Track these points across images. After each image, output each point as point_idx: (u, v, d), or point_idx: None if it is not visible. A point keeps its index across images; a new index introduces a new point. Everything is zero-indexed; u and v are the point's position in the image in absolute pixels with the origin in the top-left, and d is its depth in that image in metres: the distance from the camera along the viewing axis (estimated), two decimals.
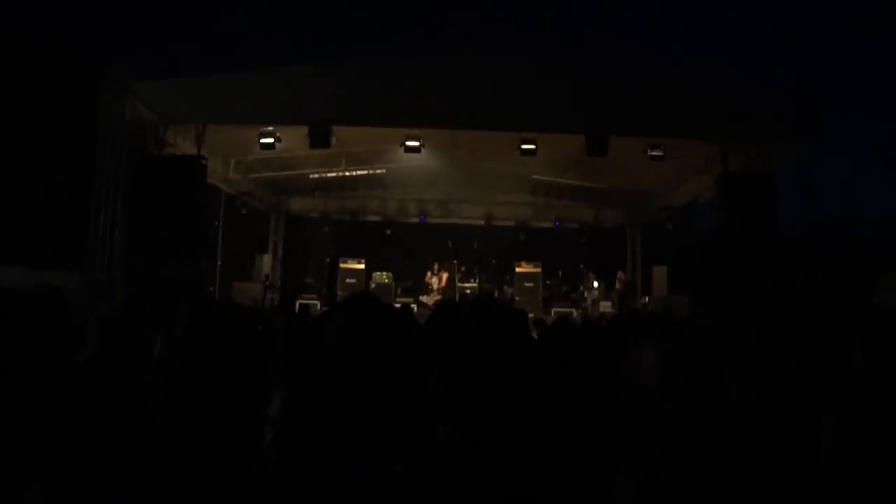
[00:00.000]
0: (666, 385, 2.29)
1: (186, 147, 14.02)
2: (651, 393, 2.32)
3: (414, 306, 15.96)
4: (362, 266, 20.73)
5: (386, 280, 20.34)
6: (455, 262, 20.53)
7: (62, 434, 2.55)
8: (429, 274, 20.43)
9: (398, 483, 2.32)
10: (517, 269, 20.84)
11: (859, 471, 2.62)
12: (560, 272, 21.60)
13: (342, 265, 20.75)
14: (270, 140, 14.17)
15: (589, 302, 20.17)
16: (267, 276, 19.71)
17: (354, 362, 2.84)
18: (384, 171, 19.33)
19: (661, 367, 2.32)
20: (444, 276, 20.31)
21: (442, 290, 19.87)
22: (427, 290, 20.15)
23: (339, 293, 19.44)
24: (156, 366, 3.48)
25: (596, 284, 20.49)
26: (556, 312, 17.62)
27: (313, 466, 2.05)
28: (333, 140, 13.71)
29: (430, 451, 2.41)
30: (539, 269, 20.84)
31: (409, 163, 16.99)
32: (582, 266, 21.26)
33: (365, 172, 19.57)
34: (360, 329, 3.04)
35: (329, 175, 19.41)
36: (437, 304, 11.55)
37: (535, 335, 4.35)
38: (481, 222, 22.03)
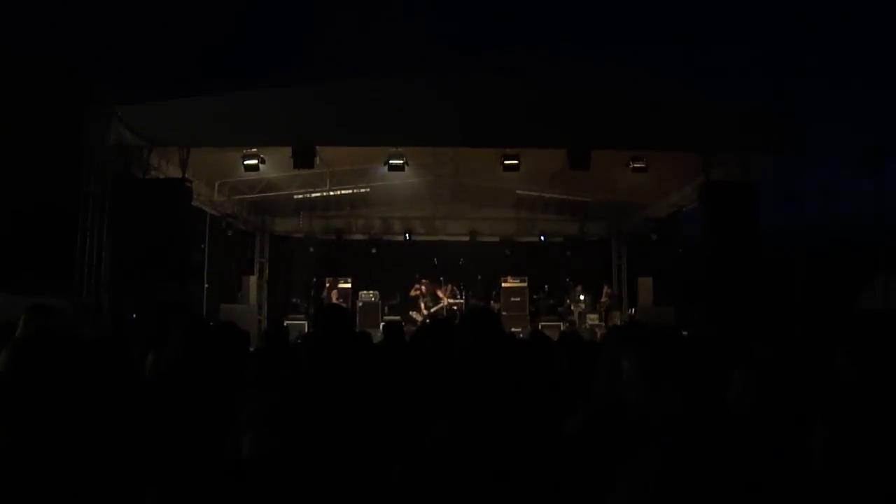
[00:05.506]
0: (643, 393, 2.32)
1: (171, 170, 14.02)
2: (634, 401, 2.35)
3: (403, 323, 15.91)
4: (349, 285, 20.71)
5: (373, 299, 20.30)
6: (441, 278, 20.50)
7: None
8: (414, 288, 20.35)
9: (398, 482, 2.34)
10: (503, 285, 20.80)
11: (848, 474, 2.65)
12: (546, 286, 21.54)
13: (328, 285, 20.69)
14: (254, 161, 14.22)
15: (576, 315, 20.18)
16: None
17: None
18: (368, 189, 19.38)
19: (636, 376, 2.35)
20: (433, 291, 20.25)
21: (430, 307, 19.83)
22: (416, 306, 20.12)
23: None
24: (148, 386, 3.48)
25: (583, 297, 20.50)
26: (543, 326, 17.60)
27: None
28: (317, 160, 13.72)
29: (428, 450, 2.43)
30: (525, 284, 20.82)
31: (393, 181, 17.03)
32: (568, 279, 21.27)
33: (349, 192, 19.63)
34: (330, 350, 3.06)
35: (313, 195, 19.43)
36: (427, 319, 11.49)
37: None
38: (466, 238, 22.03)
